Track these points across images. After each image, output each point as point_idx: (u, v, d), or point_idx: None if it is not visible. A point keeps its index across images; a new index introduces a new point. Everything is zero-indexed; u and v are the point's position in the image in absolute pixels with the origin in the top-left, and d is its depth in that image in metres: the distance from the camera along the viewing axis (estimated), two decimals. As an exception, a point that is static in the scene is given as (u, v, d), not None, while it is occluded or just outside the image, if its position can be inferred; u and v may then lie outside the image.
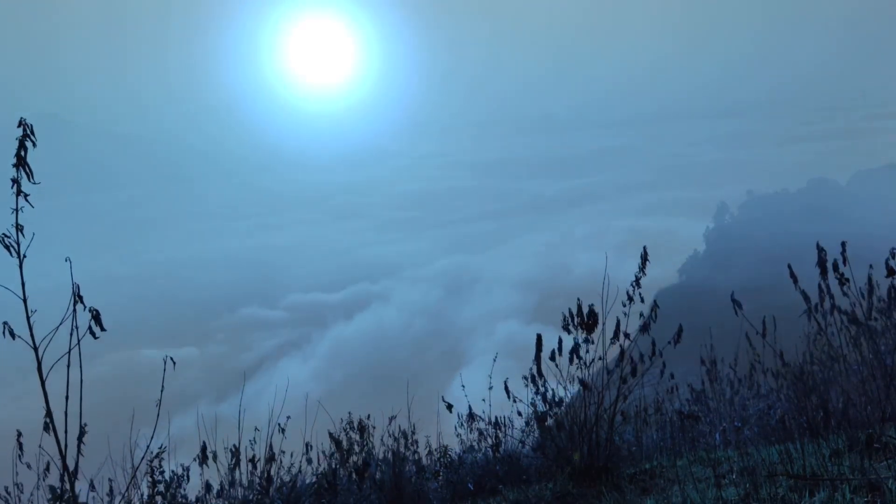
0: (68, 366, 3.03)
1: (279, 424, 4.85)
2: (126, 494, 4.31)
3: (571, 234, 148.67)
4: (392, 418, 5.22)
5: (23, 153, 2.95)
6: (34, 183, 2.98)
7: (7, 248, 2.94)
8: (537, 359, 4.67)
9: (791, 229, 75.51)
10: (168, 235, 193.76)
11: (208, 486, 4.83)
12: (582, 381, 4.52)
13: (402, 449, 5.10)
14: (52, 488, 3.23)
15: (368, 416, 5.32)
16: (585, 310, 4.46)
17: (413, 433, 5.30)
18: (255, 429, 4.85)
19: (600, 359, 4.51)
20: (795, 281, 4.55)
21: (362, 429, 5.22)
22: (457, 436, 5.52)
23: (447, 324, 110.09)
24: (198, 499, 4.88)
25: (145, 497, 4.62)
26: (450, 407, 5.35)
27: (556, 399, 4.73)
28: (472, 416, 5.43)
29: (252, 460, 4.80)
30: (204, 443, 4.82)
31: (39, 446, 3.77)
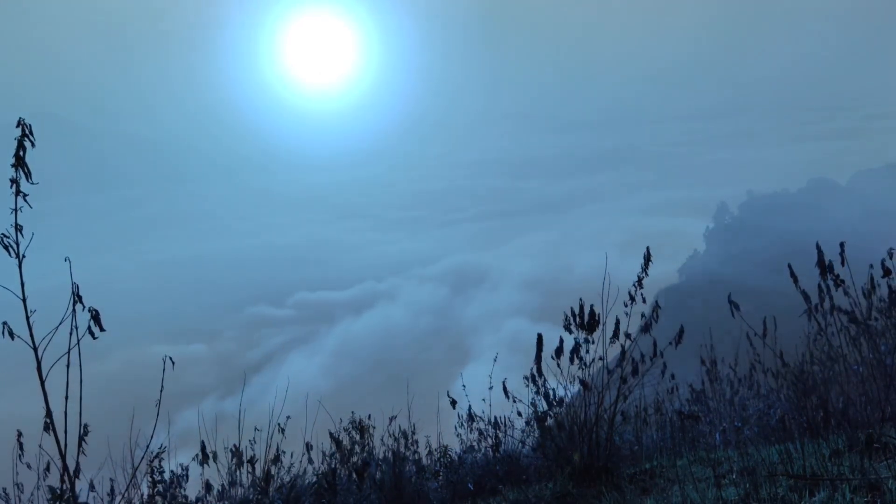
0: (68, 366, 3.03)
1: (279, 424, 4.85)
2: (126, 494, 4.31)
3: (575, 233, 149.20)
4: (392, 418, 5.22)
5: (21, 153, 2.95)
6: (33, 183, 2.98)
7: (6, 248, 2.94)
8: (537, 358, 4.67)
9: (791, 229, 75.50)
10: (171, 235, 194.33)
11: (208, 486, 4.84)
12: (582, 381, 4.52)
13: (402, 449, 5.10)
14: (51, 489, 3.23)
15: (369, 416, 5.33)
16: (586, 310, 4.47)
17: (413, 433, 5.30)
18: (256, 429, 4.85)
19: (601, 359, 4.51)
20: (795, 281, 4.55)
21: (362, 429, 5.22)
22: (457, 436, 5.52)
23: (453, 322, 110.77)
24: (198, 499, 4.88)
25: (145, 497, 4.62)
26: (454, 403, 5.35)
27: (557, 399, 4.73)
28: (471, 416, 5.43)
29: (251, 461, 4.81)
30: (203, 442, 4.83)
31: (39, 446, 3.77)
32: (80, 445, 3.27)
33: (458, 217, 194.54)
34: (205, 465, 4.84)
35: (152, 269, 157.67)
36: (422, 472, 5.05)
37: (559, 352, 4.60)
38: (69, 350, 3.04)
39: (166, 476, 4.75)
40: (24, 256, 2.97)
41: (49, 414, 3.08)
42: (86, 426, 3.33)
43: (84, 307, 3.04)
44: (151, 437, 3.75)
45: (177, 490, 4.79)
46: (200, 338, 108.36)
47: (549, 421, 4.72)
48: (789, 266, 4.52)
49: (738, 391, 5.62)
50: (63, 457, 3.11)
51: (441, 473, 5.22)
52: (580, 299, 4.50)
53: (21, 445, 4.32)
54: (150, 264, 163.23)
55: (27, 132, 2.94)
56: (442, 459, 5.38)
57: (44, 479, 4.08)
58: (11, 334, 2.94)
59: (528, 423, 5.16)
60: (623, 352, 4.51)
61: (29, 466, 4.28)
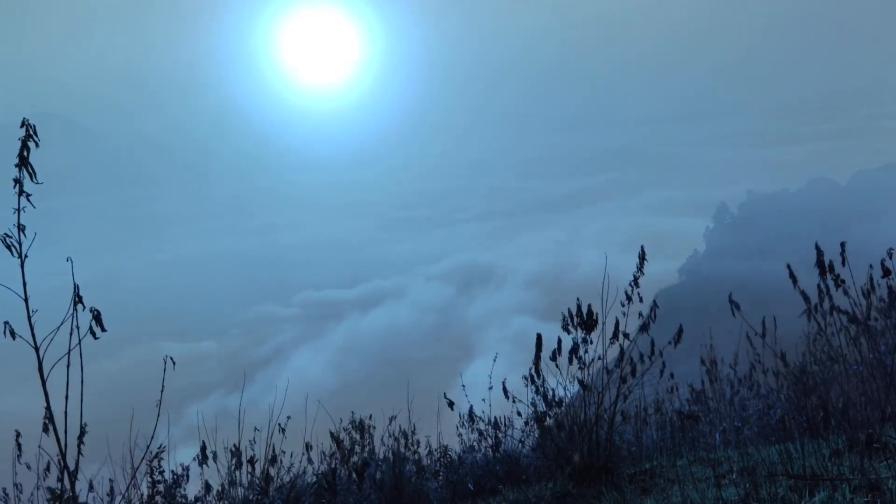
0: (68, 366, 3.03)
1: (279, 424, 4.86)
2: (126, 494, 4.31)
3: (579, 233, 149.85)
4: (392, 418, 5.22)
5: (25, 153, 2.95)
6: (37, 183, 2.98)
7: (8, 247, 2.94)
8: (537, 358, 4.67)
9: (791, 229, 75.56)
10: (177, 234, 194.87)
11: (208, 487, 4.84)
12: (581, 382, 4.52)
13: (402, 449, 5.10)
14: (51, 490, 3.23)
15: (370, 416, 5.33)
16: (585, 309, 4.47)
17: (413, 433, 5.30)
18: (255, 429, 4.86)
19: (600, 359, 4.51)
20: (795, 281, 4.55)
21: (362, 428, 5.23)
22: (457, 436, 5.52)
23: (459, 320, 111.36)
24: (197, 499, 4.88)
25: (145, 497, 4.62)
26: (451, 404, 5.35)
27: (556, 399, 4.73)
28: (472, 416, 5.43)
29: (251, 461, 4.81)
30: (204, 443, 4.83)
31: (39, 446, 3.77)
32: (79, 445, 3.27)
33: (462, 216, 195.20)
34: (204, 466, 4.84)
35: (159, 269, 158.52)
36: (422, 472, 5.05)
37: (556, 353, 4.61)
38: (70, 350, 3.04)
39: (167, 476, 4.75)
40: (26, 256, 2.98)
41: (49, 414, 3.08)
42: (84, 426, 3.33)
43: (85, 307, 3.04)
44: (152, 437, 3.76)
45: (176, 490, 4.79)
46: (209, 335, 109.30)
47: (549, 421, 4.73)
48: (788, 266, 4.53)
49: (738, 391, 5.62)
50: (63, 457, 3.12)
51: (441, 473, 5.23)
52: (577, 299, 4.50)
53: (19, 446, 4.32)
54: (156, 264, 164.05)
55: (31, 132, 2.94)
56: (442, 459, 5.39)
57: (43, 480, 4.08)
58: (13, 334, 2.94)
59: (527, 423, 5.17)
60: (622, 352, 4.51)
61: (28, 467, 4.29)
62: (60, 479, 3.18)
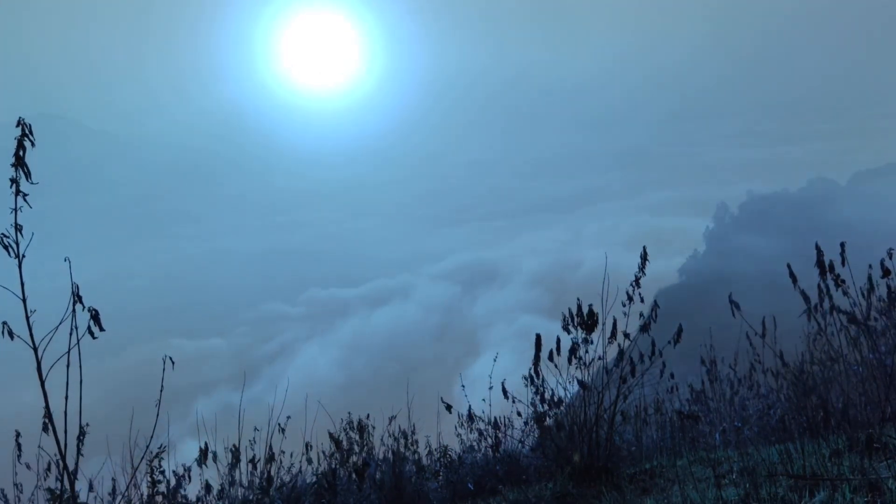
0: (68, 366, 3.03)
1: (279, 424, 4.85)
2: (126, 494, 4.30)
3: (581, 232, 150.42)
4: (392, 418, 5.22)
5: (21, 153, 2.94)
6: (32, 183, 2.98)
7: (6, 247, 2.94)
8: (536, 358, 4.67)
9: (791, 229, 75.55)
10: (181, 234, 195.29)
11: (208, 487, 4.83)
12: (580, 382, 4.51)
13: (402, 449, 5.10)
14: (50, 490, 3.23)
15: (368, 415, 5.32)
16: (585, 310, 4.46)
17: (413, 433, 5.29)
18: (255, 429, 4.85)
19: (600, 358, 4.51)
20: (795, 281, 4.55)
21: (362, 429, 5.22)
22: (457, 436, 5.52)
23: (464, 318, 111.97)
24: (198, 498, 4.87)
25: (145, 497, 4.61)
26: (449, 407, 5.34)
27: (556, 399, 4.73)
28: (471, 416, 5.42)
29: (251, 461, 4.80)
30: (206, 443, 4.82)
31: (39, 446, 3.77)
32: (78, 446, 3.26)
33: (466, 216, 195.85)
34: (204, 466, 4.83)
35: (164, 268, 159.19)
36: (422, 472, 5.04)
37: (553, 352, 4.60)
38: (69, 350, 3.04)
39: (168, 475, 4.73)
40: (23, 256, 2.97)
41: (49, 414, 3.08)
42: (84, 426, 3.33)
43: (84, 307, 3.04)
44: (151, 437, 3.75)
45: (177, 490, 4.78)
46: (217, 333, 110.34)
47: (549, 421, 4.72)
48: (788, 266, 4.52)
49: (738, 391, 5.62)
50: (63, 457, 3.11)
51: (441, 473, 5.22)
52: (578, 299, 4.50)
53: (19, 446, 4.32)
54: (162, 263, 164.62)
55: (27, 132, 2.93)
56: (442, 459, 5.38)
57: (44, 480, 4.08)
58: (11, 334, 2.94)
59: (527, 423, 5.16)
60: (621, 352, 4.51)
61: (28, 466, 4.28)
62: (60, 479, 3.18)
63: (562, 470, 4.40)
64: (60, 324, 3.01)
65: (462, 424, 5.49)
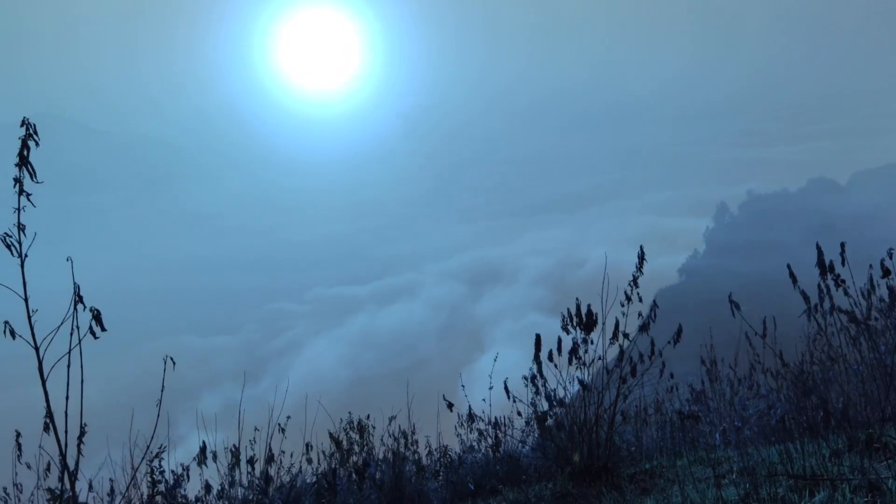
0: (68, 366, 3.03)
1: (279, 424, 4.85)
2: (126, 494, 4.31)
3: (585, 232, 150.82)
4: (392, 418, 5.22)
5: (25, 152, 2.95)
6: (37, 182, 2.98)
7: (8, 247, 2.94)
8: (536, 359, 4.67)
9: (791, 229, 75.59)
10: (185, 234, 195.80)
11: (208, 487, 4.83)
12: (580, 382, 4.52)
13: (402, 449, 5.10)
14: (50, 490, 3.23)
15: (368, 415, 5.33)
16: (584, 309, 4.47)
17: (413, 433, 5.30)
18: (255, 429, 4.85)
19: (600, 359, 4.51)
20: (795, 281, 4.55)
21: (362, 429, 5.23)
22: (457, 436, 5.52)
23: (469, 316, 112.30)
24: (197, 499, 4.87)
25: (145, 497, 4.61)
26: (450, 406, 5.35)
27: (556, 399, 4.73)
28: (471, 416, 5.43)
29: (251, 461, 4.80)
30: (205, 443, 4.82)
31: (39, 446, 3.77)
32: (79, 445, 3.27)
33: (471, 215, 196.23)
34: (204, 466, 4.83)
35: (167, 268, 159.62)
36: (422, 472, 5.05)
37: (553, 352, 4.60)
38: (70, 350, 3.04)
39: (167, 476, 4.74)
40: (26, 256, 2.97)
41: (49, 414, 3.08)
42: (84, 426, 3.33)
43: (85, 307, 3.04)
44: (152, 436, 3.75)
45: (176, 490, 4.78)
46: (225, 331, 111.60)
47: (549, 421, 4.72)
48: (788, 266, 4.52)
49: (738, 391, 5.62)
50: (63, 457, 3.12)
51: (441, 473, 5.22)
52: (577, 299, 4.50)
53: (19, 446, 4.32)
54: (165, 263, 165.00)
55: (31, 131, 2.94)
56: (442, 459, 5.39)
57: (44, 480, 4.08)
58: (13, 334, 2.94)
59: (528, 423, 5.16)
60: (621, 352, 4.51)
61: (28, 466, 4.28)
62: (60, 479, 3.18)
63: (562, 470, 4.41)
64: (62, 324, 3.01)
65: (462, 424, 5.50)
